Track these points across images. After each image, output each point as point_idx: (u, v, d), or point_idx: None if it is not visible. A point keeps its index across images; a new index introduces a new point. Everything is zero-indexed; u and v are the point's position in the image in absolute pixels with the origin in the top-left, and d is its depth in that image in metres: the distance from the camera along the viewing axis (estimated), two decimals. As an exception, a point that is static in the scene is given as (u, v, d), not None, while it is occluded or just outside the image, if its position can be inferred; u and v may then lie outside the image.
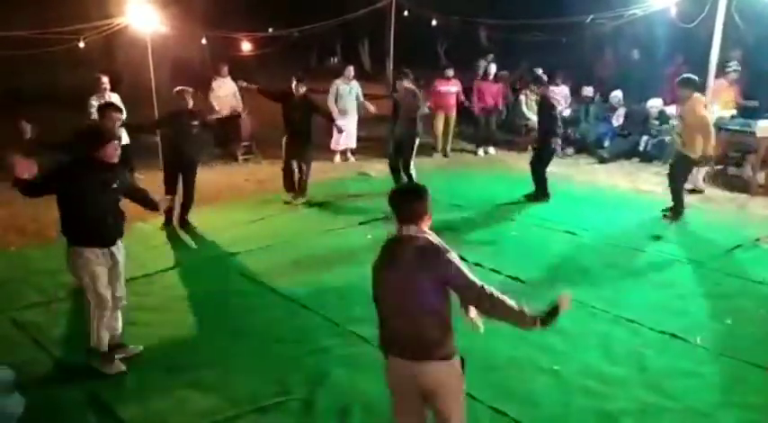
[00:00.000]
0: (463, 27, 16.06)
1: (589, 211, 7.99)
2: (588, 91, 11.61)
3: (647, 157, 10.63)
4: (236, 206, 8.25)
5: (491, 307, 2.84)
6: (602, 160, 10.77)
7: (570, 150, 11.28)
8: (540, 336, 4.85)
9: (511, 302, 2.82)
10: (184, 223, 7.29)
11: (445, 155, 11.37)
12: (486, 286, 2.83)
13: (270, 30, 15.96)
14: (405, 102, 8.51)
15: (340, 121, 10.61)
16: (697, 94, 7.34)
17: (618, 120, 11.13)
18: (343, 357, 4.57)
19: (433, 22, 13.81)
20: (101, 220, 4.17)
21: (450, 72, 11.15)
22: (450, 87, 11.10)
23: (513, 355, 4.61)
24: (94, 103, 8.44)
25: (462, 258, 6.45)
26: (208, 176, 9.58)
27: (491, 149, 11.61)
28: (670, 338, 4.83)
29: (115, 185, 4.24)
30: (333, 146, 10.71)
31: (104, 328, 4.29)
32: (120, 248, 4.35)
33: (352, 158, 10.84)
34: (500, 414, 3.92)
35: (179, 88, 7.20)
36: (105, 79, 8.57)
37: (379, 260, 2.98)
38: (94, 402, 4.06)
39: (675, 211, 7.61)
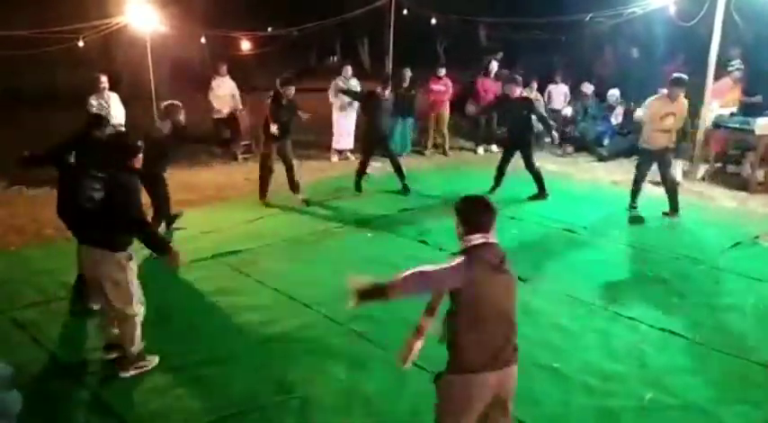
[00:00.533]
0: (463, 26, 16.07)
1: (588, 210, 8.00)
2: (588, 88, 11.60)
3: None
4: (236, 205, 8.24)
5: None
6: (602, 158, 10.78)
7: (570, 149, 11.28)
8: (539, 333, 4.89)
9: None
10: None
11: (445, 153, 11.38)
12: None
13: (269, 29, 15.96)
14: (386, 104, 8.74)
15: (340, 121, 10.65)
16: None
17: (617, 118, 11.14)
18: (343, 356, 4.57)
19: (433, 21, 13.80)
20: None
21: (442, 71, 11.23)
22: (441, 86, 11.16)
23: (513, 353, 4.61)
24: (94, 102, 8.45)
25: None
26: (207, 175, 9.60)
27: (493, 147, 11.61)
28: (669, 335, 4.84)
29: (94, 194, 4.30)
30: (334, 144, 10.75)
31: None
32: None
33: (351, 157, 10.84)
34: (500, 411, 3.92)
35: (169, 103, 6.79)
36: (104, 79, 8.56)
37: (479, 268, 2.88)
38: (95, 402, 4.07)
39: (674, 209, 7.68)
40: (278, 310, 5.30)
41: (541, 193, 8.46)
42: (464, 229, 2.98)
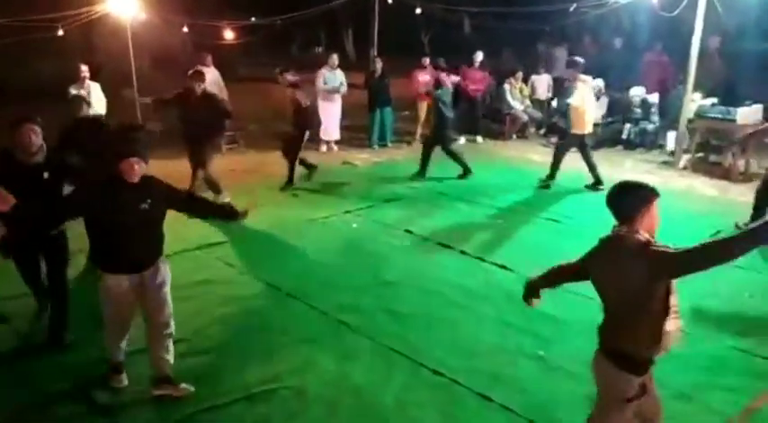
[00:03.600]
0: (448, 15, 16.03)
1: (573, 200, 8.05)
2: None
3: (630, 145, 10.73)
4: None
5: None
6: (586, 148, 10.82)
7: (554, 139, 11.32)
8: (526, 322, 4.93)
9: None
10: None
11: None
12: None
13: (252, 18, 15.82)
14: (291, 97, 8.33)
15: (326, 109, 10.58)
16: (583, 76, 8.19)
17: (601, 108, 11.19)
18: (331, 346, 4.58)
19: (418, 11, 13.76)
20: (125, 245, 3.70)
21: (426, 61, 11.22)
22: (426, 76, 11.15)
23: (498, 342, 4.66)
24: (74, 92, 8.34)
25: (447, 246, 6.54)
26: (186, 166, 9.49)
27: (478, 138, 11.62)
28: (653, 323, 4.89)
29: (145, 206, 3.69)
30: (321, 134, 10.69)
31: (116, 343, 4.01)
32: (158, 271, 3.89)
33: (335, 148, 10.80)
34: (487, 400, 3.96)
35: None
36: (84, 68, 8.46)
37: None
38: (81, 395, 4.03)
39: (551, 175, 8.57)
40: (264, 301, 5.29)
41: (466, 174, 8.97)
42: None
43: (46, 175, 4.29)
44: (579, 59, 8.42)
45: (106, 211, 3.62)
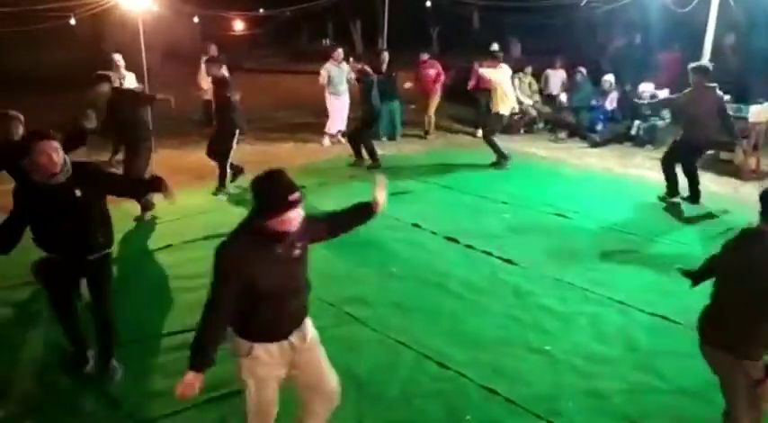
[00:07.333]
0: (457, 9, 15.97)
1: (581, 195, 8.01)
2: (581, 70, 11.51)
3: (639, 142, 10.65)
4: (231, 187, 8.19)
5: None
6: (595, 144, 10.76)
7: (563, 134, 11.27)
8: (531, 316, 4.92)
9: None
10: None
11: (426, 135, 11.36)
12: None
13: (261, 10, 15.82)
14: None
15: (333, 104, 10.55)
16: (503, 64, 9.24)
17: (611, 103, 11.11)
18: (335, 338, 4.55)
19: (427, 3, 13.69)
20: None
21: (425, 55, 11.24)
22: (427, 70, 11.12)
23: (503, 336, 4.65)
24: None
25: (453, 240, 6.51)
26: (196, 157, 9.50)
27: (478, 132, 11.52)
28: (660, 320, 4.86)
29: (298, 252, 3.11)
30: (327, 128, 10.65)
31: None
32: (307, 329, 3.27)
33: (342, 140, 10.77)
34: (491, 393, 3.96)
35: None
36: (118, 57, 8.39)
37: None
38: (88, 386, 4.06)
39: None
40: (270, 292, 5.28)
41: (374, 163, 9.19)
42: None
43: (78, 192, 3.71)
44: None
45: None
